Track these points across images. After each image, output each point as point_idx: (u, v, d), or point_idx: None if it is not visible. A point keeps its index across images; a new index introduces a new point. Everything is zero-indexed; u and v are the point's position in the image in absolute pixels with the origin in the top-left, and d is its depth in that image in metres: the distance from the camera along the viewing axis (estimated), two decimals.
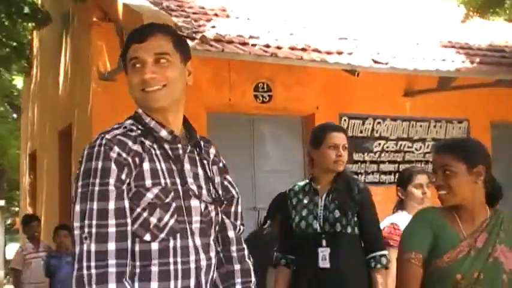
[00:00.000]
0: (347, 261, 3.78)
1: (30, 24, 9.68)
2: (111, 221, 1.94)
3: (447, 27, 9.06)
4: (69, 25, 9.66)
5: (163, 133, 2.10)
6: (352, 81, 8.24)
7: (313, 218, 3.83)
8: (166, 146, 2.10)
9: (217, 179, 2.25)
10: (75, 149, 8.77)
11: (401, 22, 10.03)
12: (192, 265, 2.07)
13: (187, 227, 2.07)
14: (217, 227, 2.22)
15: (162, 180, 2.04)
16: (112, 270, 1.89)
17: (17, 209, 20.18)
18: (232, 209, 2.31)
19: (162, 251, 2.01)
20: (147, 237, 2.00)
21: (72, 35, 9.64)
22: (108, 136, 2.01)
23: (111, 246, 1.92)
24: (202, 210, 2.13)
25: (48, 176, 10.88)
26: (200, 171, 2.17)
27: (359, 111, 9.00)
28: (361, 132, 8.99)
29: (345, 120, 8.92)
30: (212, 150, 2.29)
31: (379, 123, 9.10)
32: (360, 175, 8.79)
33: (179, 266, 2.04)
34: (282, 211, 4.08)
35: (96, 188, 1.95)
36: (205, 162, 2.21)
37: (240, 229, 2.33)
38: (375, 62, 7.52)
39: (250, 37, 7.59)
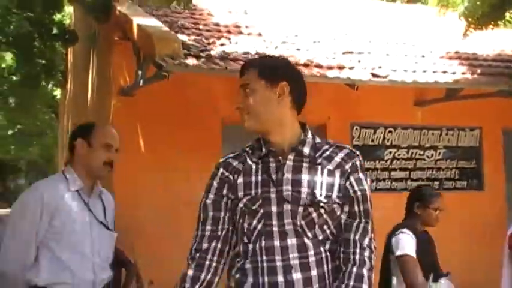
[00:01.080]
0: None
1: (58, 43, 10.29)
2: (208, 227, 2.56)
3: (456, 38, 9.47)
4: (95, 43, 10.14)
5: (263, 150, 2.52)
6: (363, 91, 8.48)
7: None
8: (271, 159, 2.49)
9: (336, 181, 2.46)
10: None
11: (409, 35, 10.34)
12: (279, 263, 2.38)
13: (276, 230, 2.41)
14: (325, 227, 2.46)
15: (253, 191, 2.45)
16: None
17: None
18: (354, 208, 2.50)
19: (253, 250, 2.43)
20: (245, 239, 2.47)
21: (97, 53, 10.10)
22: (220, 160, 2.64)
23: (205, 245, 2.55)
24: (301, 212, 2.41)
25: None
26: (304, 177, 2.45)
27: (370, 121, 9.35)
28: (372, 140, 9.37)
29: (356, 129, 9.32)
30: (340, 154, 2.53)
31: (390, 132, 9.46)
32: (371, 182, 9.33)
33: (265, 264, 2.39)
34: None
35: (203, 200, 2.60)
36: (318, 167, 2.47)
37: (357, 227, 2.49)
38: (374, 75, 7.86)
39: (257, 54, 7.90)
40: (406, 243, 4.31)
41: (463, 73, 8.56)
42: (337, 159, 2.50)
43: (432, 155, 9.68)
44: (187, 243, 2.78)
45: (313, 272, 2.39)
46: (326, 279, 2.42)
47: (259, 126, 2.51)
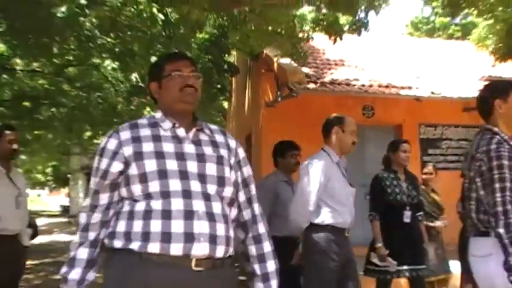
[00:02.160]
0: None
1: (226, 74, 11.36)
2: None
3: (488, 66, 10.12)
4: (250, 73, 11.16)
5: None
6: (426, 103, 9.03)
7: (402, 193, 4.60)
8: None
9: None
10: (253, 149, 10.00)
11: (457, 63, 11.04)
12: None
13: None
14: None
15: None
16: None
17: None
18: None
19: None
20: None
21: (251, 79, 11.13)
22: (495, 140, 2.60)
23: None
24: None
25: None
26: None
27: (432, 121, 9.94)
28: (433, 135, 10.00)
29: (422, 127, 9.96)
30: None
31: (446, 129, 10.02)
32: (433, 163, 10.03)
33: None
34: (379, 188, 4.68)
35: (504, 175, 2.51)
36: None
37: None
38: (432, 93, 8.85)
39: (354, 79, 9.04)
40: None
41: None
42: None
43: None
44: None
45: None
46: None
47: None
